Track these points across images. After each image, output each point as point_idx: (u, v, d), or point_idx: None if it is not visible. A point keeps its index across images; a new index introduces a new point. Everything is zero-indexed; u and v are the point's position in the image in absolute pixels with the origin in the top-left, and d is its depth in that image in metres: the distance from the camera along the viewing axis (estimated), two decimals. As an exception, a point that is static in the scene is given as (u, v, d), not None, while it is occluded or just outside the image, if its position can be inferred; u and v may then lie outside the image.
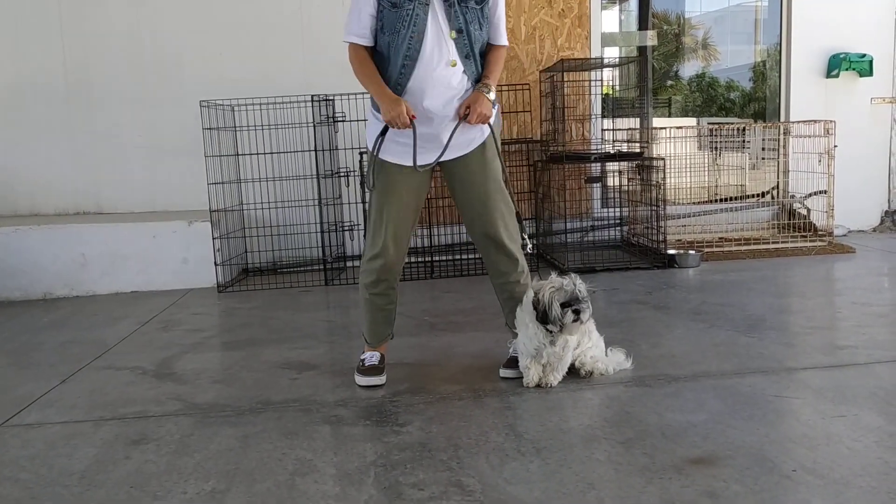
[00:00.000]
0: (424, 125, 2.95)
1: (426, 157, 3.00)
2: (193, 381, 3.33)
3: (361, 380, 3.17)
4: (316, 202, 5.53)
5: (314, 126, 5.45)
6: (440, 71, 2.91)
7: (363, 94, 5.65)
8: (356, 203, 5.66)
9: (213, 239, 5.34)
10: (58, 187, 6.06)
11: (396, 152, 3.00)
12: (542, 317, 2.92)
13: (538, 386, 3.01)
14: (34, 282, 5.32)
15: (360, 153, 5.48)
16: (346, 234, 5.87)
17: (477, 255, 5.85)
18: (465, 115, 2.94)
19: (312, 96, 5.44)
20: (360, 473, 2.33)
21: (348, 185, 5.78)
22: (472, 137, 3.05)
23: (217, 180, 5.41)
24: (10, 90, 5.97)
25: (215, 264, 5.34)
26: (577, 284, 2.91)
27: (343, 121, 5.67)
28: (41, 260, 5.31)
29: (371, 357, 3.22)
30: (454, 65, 2.92)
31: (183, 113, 5.77)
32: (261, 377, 3.35)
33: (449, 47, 2.91)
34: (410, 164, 2.96)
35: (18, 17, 5.92)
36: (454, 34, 2.91)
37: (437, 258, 5.74)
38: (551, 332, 2.94)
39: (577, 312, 2.88)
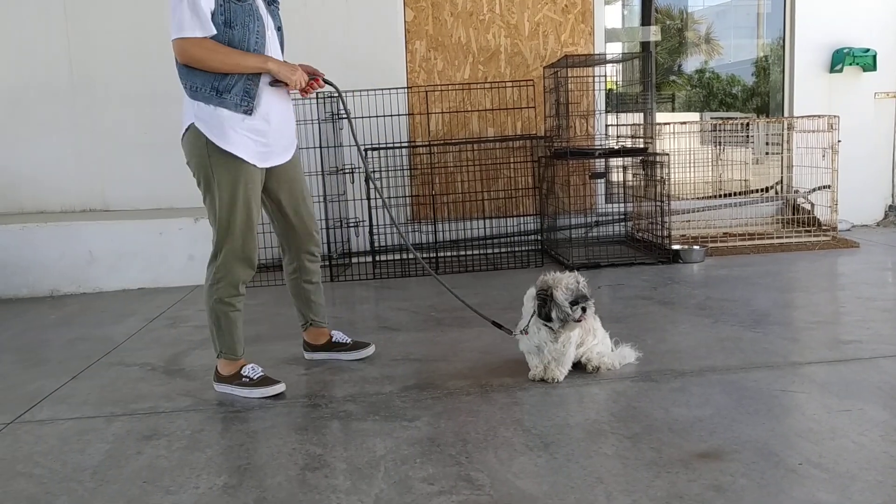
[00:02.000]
0: (274, 123, 3.04)
1: (278, 158, 3.11)
2: (202, 378, 3.35)
3: (261, 392, 3.06)
4: (321, 199, 5.54)
5: (318, 123, 5.47)
6: None
7: (367, 91, 5.71)
8: (361, 200, 5.68)
9: (219, 236, 5.35)
10: (63, 185, 6.09)
11: (253, 151, 2.97)
12: (548, 315, 2.95)
13: (543, 380, 3.04)
14: (41, 279, 5.35)
15: (365, 149, 5.49)
16: (352, 230, 5.89)
17: (482, 251, 5.88)
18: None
19: (316, 93, 5.43)
20: (370, 468, 2.36)
21: (353, 182, 5.80)
22: (293, 139, 3.23)
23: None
24: (15, 88, 5.99)
25: (221, 261, 5.35)
26: (581, 281, 2.96)
27: (347, 117, 5.67)
28: (48, 257, 5.34)
29: (253, 368, 3.13)
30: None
31: (188, 110, 5.78)
32: (269, 373, 3.35)
33: (277, 42, 3.09)
34: (266, 164, 3.04)
35: (23, 15, 5.94)
36: (277, 30, 3.10)
37: (442, 254, 5.77)
38: (553, 329, 2.97)
39: (584, 309, 2.93)
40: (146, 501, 2.22)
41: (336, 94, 3.29)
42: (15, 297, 5.32)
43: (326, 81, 3.22)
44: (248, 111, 2.91)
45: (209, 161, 2.92)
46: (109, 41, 5.97)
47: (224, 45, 2.86)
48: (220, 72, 2.86)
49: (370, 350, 3.51)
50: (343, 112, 5.63)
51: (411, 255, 5.80)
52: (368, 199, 5.49)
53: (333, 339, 3.50)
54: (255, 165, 2.98)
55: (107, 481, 2.37)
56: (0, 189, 6.06)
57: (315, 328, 3.47)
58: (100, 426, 2.83)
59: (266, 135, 2.99)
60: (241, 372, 3.11)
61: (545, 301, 2.95)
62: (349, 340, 3.51)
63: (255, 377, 3.10)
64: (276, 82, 3.01)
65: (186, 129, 2.95)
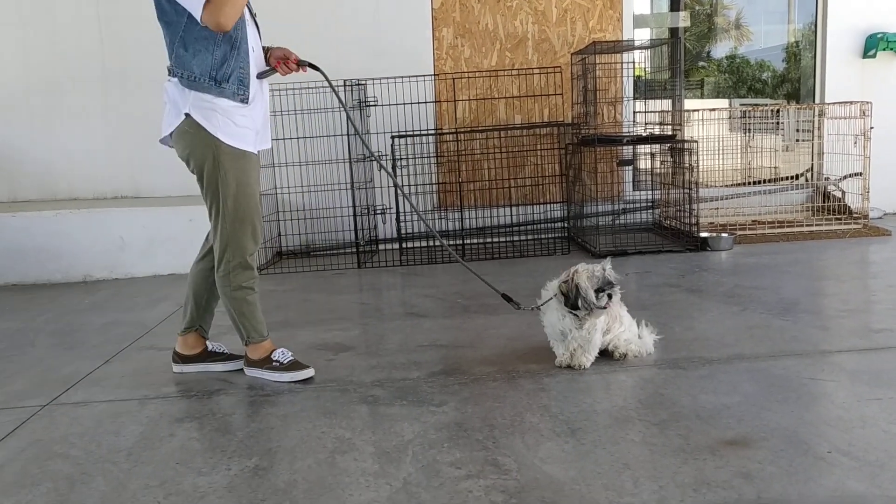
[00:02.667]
0: (260, 109, 3.04)
1: (264, 144, 3.12)
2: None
3: (290, 376, 3.09)
4: (348, 186, 5.58)
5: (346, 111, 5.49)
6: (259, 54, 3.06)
7: (394, 78, 5.72)
8: (388, 187, 5.71)
9: (248, 222, 5.41)
10: (96, 172, 6.18)
11: (252, 140, 2.99)
12: (574, 303, 2.95)
13: (569, 367, 3.05)
14: (74, 264, 5.44)
15: (392, 137, 5.51)
16: (379, 217, 5.92)
17: (509, 239, 5.89)
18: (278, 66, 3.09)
19: (345, 81, 5.47)
20: (398, 452, 2.38)
21: (380, 169, 5.83)
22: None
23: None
24: (48, 77, 6.08)
25: (250, 247, 5.42)
26: (607, 269, 2.96)
27: (375, 105, 5.71)
28: (81, 243, 5.42)
29: (283, 353, 3.16)
30: (254, 50, 3.01)
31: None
32: (298, 358, 3.40)
33: (255, 29, 3.06)
34: (259, 148, 3.05)
35: (55, 4, 6.02)
36: (253, 17, 3.06)
37: (468, 241, 5.78)
38: (579, 316, 2.98)
39: (610, 297, 2.94)
40: (179, 482, 2.26)
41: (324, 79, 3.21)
42: (49, 282, 5.42)
43: (306, 64, 3.14)
44: (245, 100, 2.91)
45: (215, 155, 2.90)
46: (141, 29, 6.02)
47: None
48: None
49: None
50: (372, 99, 5.67)
51: (437, 242, 5.82)
52: (395, 186, 5.51)
53: (209, 349, 3.30)
54: (254, 153, 3.01)
55: (141, 462, 2.42)
56: (34, 177, 6.17)
57: (196, 336, 3.27)
58: (133, 409, 2.89)
59: (257, 121, 3.00)
60: (272, 356, 3.14)
61: (570, 290, 2.96)
62: (225, 350, 3.33)
63: (285, 361, 3.13)
64: (262, 74, 3.03)
65: (181, 121, 2.90)
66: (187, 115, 2.88)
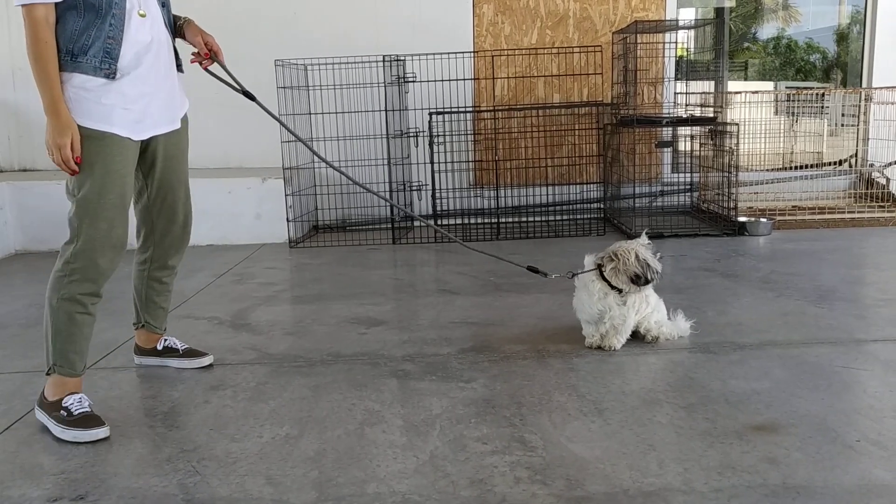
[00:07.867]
0: (150, 87, 2.61)
1: (155, 128, 2.68)
2: (267, 333, 3.47)
3: (77, 434, 2.40)
4: (385, 162, 5.60)
5: (385, 86, 5.51)
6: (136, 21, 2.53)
7: (434, 55, 5.72)
8: (425, 163, 5.72)
9: (286, 196, 5.48)
10: (138, 142, 6.26)
11: (126, 120, 2.52)
12: (648, 278, 2.97)
13: (600, 348, 3.05)
14: (116, 233, 5.53)
15: (430, 113, 5.52)
16: (415, 193, 5.94)
17: (544, 218, 5.88)
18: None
19: (384, 56, 5.48)
20: (426, 426, 2.42)
21: (417, 146, 5.84)
22: (178, 109, 2.83)
23: (290, 139, 5.52)
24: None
25: (287, 220, 5.48)
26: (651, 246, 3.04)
27: (413, 81, 5.72)
28: (123, 212, 5.52)
29: (79, 401, 2.49)
30: (143, 15, 2.54)
31: (258, 72, 5.86)
32: (331, 331, 3.46)
33: (161, 17, 2.68)
34: (140, 135, 2.60)
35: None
36: (162, 6, 2.70)
37: (503, 219, 5.78)
38: (622, 292, 2.98)
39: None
40: (213, 448, 2.32)
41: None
42: (91, 249, 5.53)
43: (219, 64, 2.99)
44: (111, 75, 2.43)
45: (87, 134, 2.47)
46: (181, 2, 6.08)
47: (52, 51, 2.35)
48: (34, 70, 2.37)
49: (206, 360, 3.06)
50: (411, 75, 5.68)
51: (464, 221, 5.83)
52: (431, 162, 5.53)
53: (166, 345, 3.05)
54: (122, 136, 2.51)
55: (176, 427, 2.49)
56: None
57: (145, 332, 3.04)
58: (170, 374, 2.96)
59: (137, 101, 2.54)
60: (63, 402, 2.48)
61: (642, 266, 2.96)
62: (182, 347, 3.08)
63: (75, 413, 2.45)
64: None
65: None
66: None
